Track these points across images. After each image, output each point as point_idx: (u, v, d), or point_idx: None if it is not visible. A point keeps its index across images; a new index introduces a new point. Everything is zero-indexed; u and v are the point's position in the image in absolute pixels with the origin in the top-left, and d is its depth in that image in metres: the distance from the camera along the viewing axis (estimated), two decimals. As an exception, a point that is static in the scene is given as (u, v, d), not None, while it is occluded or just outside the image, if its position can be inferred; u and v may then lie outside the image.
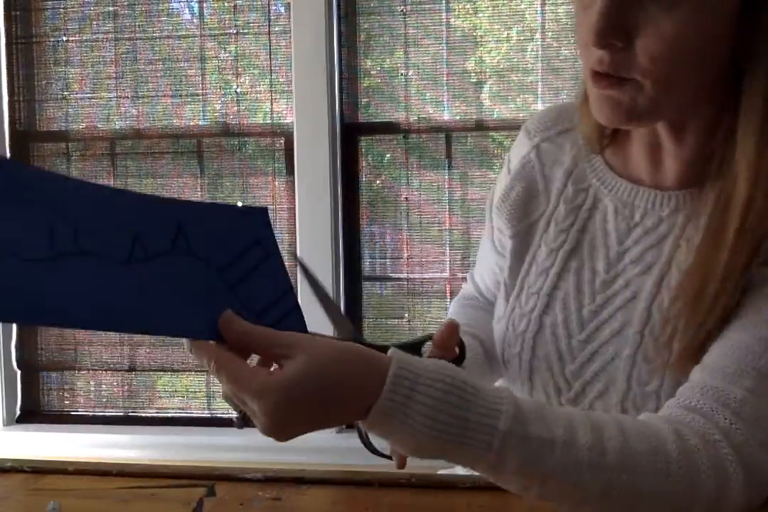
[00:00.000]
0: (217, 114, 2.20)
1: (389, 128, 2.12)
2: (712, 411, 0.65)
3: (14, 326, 2.27)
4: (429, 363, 0.58)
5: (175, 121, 2.21)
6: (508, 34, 2.09)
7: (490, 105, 2.10)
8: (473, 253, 2.03)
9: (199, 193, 2.20)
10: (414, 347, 0.70)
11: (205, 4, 2.18)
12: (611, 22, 0.67)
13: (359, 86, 2.13)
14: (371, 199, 2.15)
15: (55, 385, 2.29)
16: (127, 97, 2.22)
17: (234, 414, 0.63)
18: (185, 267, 0.58)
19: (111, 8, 2.20)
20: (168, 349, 2.23)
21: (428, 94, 2.11)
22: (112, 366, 2.26)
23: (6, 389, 2.25)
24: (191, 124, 2.20)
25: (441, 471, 0.94)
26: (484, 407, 0.57)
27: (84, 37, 2.22)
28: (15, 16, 2.24)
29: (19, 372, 2.28)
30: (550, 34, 2.06)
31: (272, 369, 0.58)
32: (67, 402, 2.29)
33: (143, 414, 2.26)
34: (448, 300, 2.11)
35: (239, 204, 2.17)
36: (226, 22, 2.17)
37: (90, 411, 2.28)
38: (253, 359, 0.60)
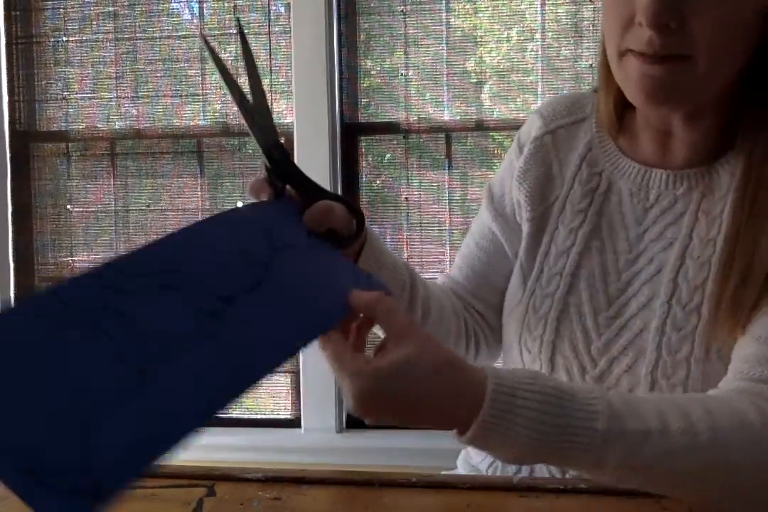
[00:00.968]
0: (217, 114, 2.20)
1: (389, 128, 2.12)
2: None
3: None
4: (523, 375, 0.60)
5: (175, 121, 2.21)
6: (508, 34, 2.09)
7: (490, 105, 2.10)
8: (473, 253, 2.03)
9: (199, 193, 2.20)
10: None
11: (205, 4, 2.18)
12: (666, 3, 0.69)
13: (359, 86, 2.13)
14: (371, 199, 2.15)
15: (55, 385, 2.30)
16: (127, 97, 2.22)
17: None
18: (297, 261, 0.58)
19: (111, 8, 2.20)
20: (168, 349, 2.23)
21: (428, 94, 2.11)
22: (112, 366, 2.26)
23: (6, 389, 2.25)
24: (191, 124, 2.20)
25: (442, 472, 0.94)
26: (581, 410, 0.59)
27: (84, 37, 2.22)
28: (15, 16, 2.24)
29: (19, 372, 2.29)
30: (550, 34, 2.06)
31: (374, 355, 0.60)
32: (67, 402, 2.30)
33: (143, 414, 2.26)
34: (448, 300, 2.11)
35: (239, 204, 2.17)
36: (226, 22, 2.17)
37: (90, 411, 2.28)
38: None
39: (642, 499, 0.69)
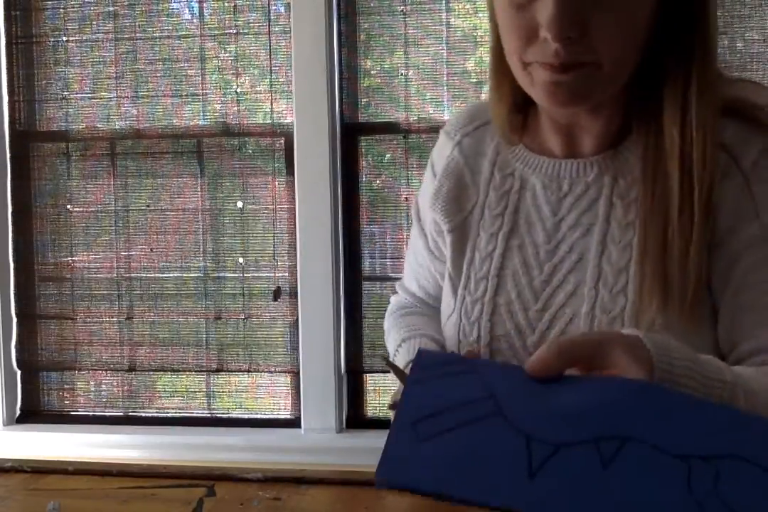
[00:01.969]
0: (217, 114, 2.19)
1: (389, 128, 2.12)
2: None
3: (14, 326, 2.27)
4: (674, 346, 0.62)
5: (175, 121, 2.21)
6: (508, 34, 2.09)
7: (490, 105, 2.09)
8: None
9: (199, 193, 2.20)
10: None
11: (205, 4, 2.18)
12: (569, 17, 0.72)
13: (359, 86, 2.13)
14: (371, 199, 2.15)
15: (55, 385, 2.29)
16: (127, 97, 2.22)
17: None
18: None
19: (111, 8, 2.20)
20: (168, 349, 2.23)
21: (428, 94, 2.11)
22: (112, 366, 2.26)
23: (6, 389, 2.25)
24: (191, 124, 2.20)
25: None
26: (713, 372, 0.62)
27: (84, 37, 2.22)
28: (15, 16, 2.24)
29: (19, 372, 2.28)
30: (550, 34, 2.06)
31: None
32: (67, 402, 2.29)
33: (143, 414, 2.26)
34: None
35: (239, 204, 2.17)
36: (226, 22, 2.17)
37: (90, 411, 2.28)
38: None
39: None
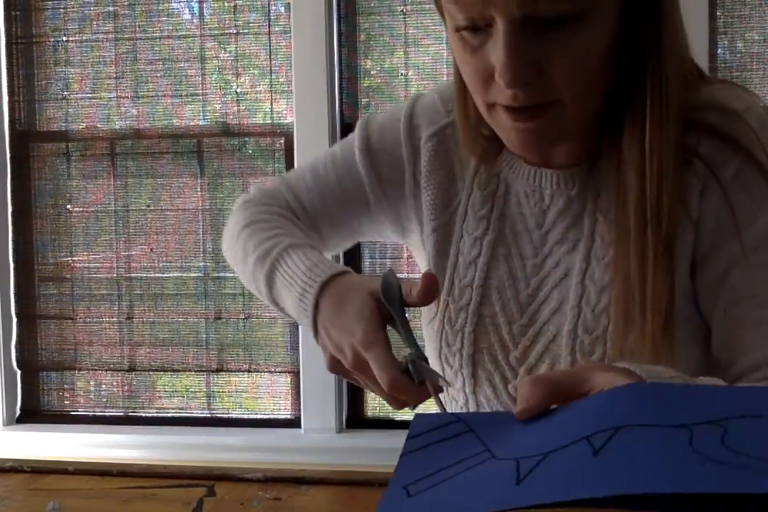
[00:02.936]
0: (217, 114, 2.19)
1: (389, 128, 2.12)
2: None
3: (14, 326, 2.27)
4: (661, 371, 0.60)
5: (175, 121, 2.20)
6: (508, 34, 2.09)
7: (490, 105, 2.10)
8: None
9: (199, 193, 2.20)
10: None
11: (205, 4, 2.18)
12: (522, 60, 0.68)
13: (359, 86, 2.13)
14: (371, 199, 2.15)
15: (55, 385, 2.29)
16: (127, 97, 2.22)
17: None
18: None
19: (111, 8, 2.20)
20: (168, 349, 2.23)
21: (428, 94, 2.11)
22: (112, 366, 2.26)
23: (6, 389, 2.25)
24: (191, 124, 2.20)
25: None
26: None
27: (84, 37, 2.22)
28: (15, 16, 2.24)
29: (19, 372, 2.28)
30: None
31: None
32: (67, 402, 2.29)
33: (143, 414, 2.26)
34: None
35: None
36: (226, 22, 2.17)
37: (90, 411, 2.28)
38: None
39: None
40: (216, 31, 2.18)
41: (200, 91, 2.19)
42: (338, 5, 2.09)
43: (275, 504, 0.71)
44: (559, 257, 0.82)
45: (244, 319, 2.20)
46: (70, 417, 2.28)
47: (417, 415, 0.59)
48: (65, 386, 2.29)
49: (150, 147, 2.21)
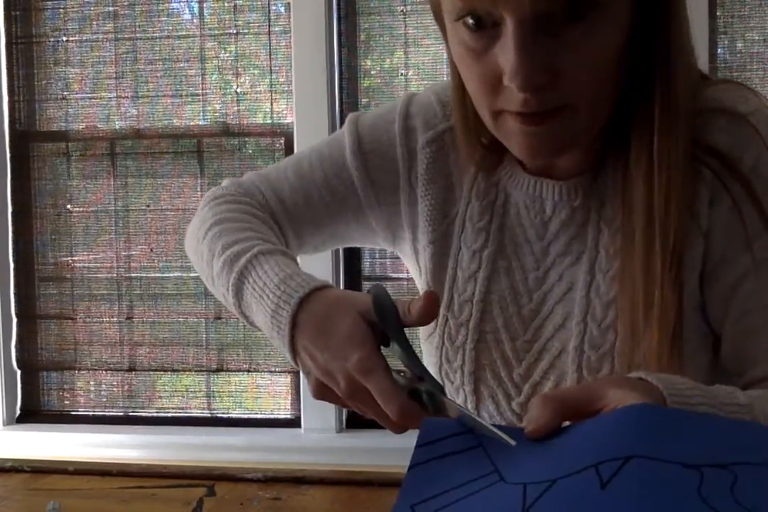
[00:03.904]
0: (217, 114, 2.19)
1: (389, 128, 2.12)
2: None
3: (14, 326, 2.27)
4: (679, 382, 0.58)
5: (175, 121, 2.20)
6: (508, 34, 2.09)
7: (490, 105, 2.09)
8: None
9: (199, 193, 2.19)
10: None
11: (205, 4, 2.17)
12: (534, 62, 0.64)
13: (359, 86, 2.13)
14: (371, 199, 2.15)
15: (55, 385, 2.29)
16: (127, 97, 2.22)
17: None
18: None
19: (111, 8, 2.20)
20: (168, 349, 2.23)
21: (428, 94, 2.11)
22: (112, 366, 2.26)
23: (6, 389, 2.25)
24: (191, 124, 2.20)
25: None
26: (725, 397, 0.59)
27: (84, 37, 2.22)
28: (15, 16, 2.24)
29: (19, 372, 2.28)
30: (550, 34, 2.06)
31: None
32: (67, 402, 2.29)
33: (143, 414, 2.26)
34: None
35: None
36: (226, 22, 2.17)
37: (90, 411, 2.28)
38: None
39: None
40: (216, 31, 2.17)
41: (200, 91, 2.19)
42: (338, 5, 2.09)
43: (275, 504, 0.71)
44: (562, 270, 0.79)
45: (244, 319, 2.20)
46: (70, 417, 2.28)
47: (426, 420, 0.57)
48: (65, 386, 2.29)
49: (150, 147, 2.21)
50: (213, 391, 2.23)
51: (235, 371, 2.22)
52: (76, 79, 2.23)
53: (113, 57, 2.21)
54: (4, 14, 2.23)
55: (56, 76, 2.23)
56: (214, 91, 2.19)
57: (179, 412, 2.24)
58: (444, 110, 0.84)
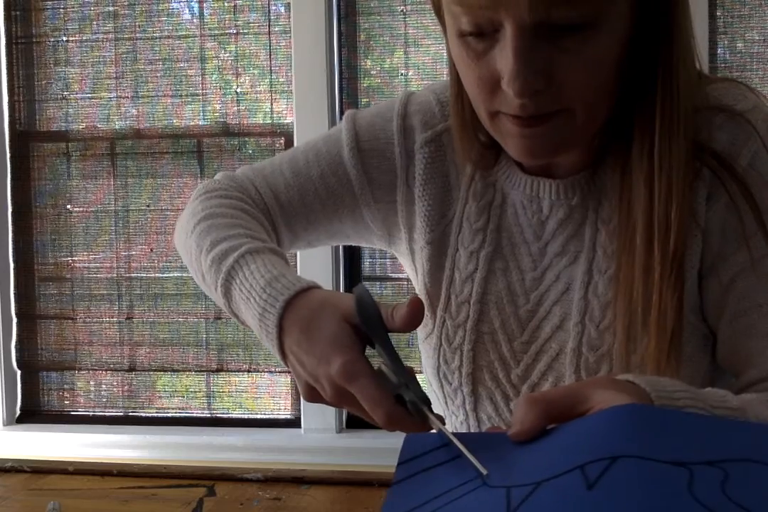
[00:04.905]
0: (217, 114, 2.19)
1: (389, 128, 2.12)
2: None
3: (14, 326, 2.27)
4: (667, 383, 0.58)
5: (175, 121, 2.20)
6: (508, 34, 2.09)
7: (490, 105, 2.09)
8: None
9: (199, 193, 2.19)
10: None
11: (205, 4, 2.17)
12: (532, 68, 0.64)
13: (359, 86, 2.13)
14: (371, 199, 2.15)
15: (55, 385, 2.29)
16: (127, 97, 2.22)
17: None
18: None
19: (111, 8, 2.20)
20: (168, 349, 2.23)
21: (428, 94, 2.11)
22: (112, 366, 2.26)
23: (6, 389, 2.25)
24: (191, 124, 2.20)
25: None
26: (717, 401, 0.59)
27: (84, 37, 2.22)
28: (15, 16, 2.24)
29: (19, 372, 2.28)
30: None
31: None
32: (67, 402, 2.29)
33: (143, 414, 2.26)
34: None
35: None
36: (226, 22, 2.17)
37: (90, 411, 2.28)
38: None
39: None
40: (216, 31, 2.17)
41: (200, 91, 2.19)
42: (338, 5, 2.09)
43: (275, 504, 0.71)
44: (559, 270, 0.79)
45: (244, 319, 2.20)
46: (70, 417, 2.28)
47: (407, 437, 0.56)
48: (65, 386, 2.29)
49: (150, 147, 2.21)
50: (213, 391, 2.23)
51: (235, 371, 2.22)
52: (76, 79, 2.23)
53: (113, 57, 2.21)
54: (4, 14, 2.23)
55: (56, 76, 2.23)
56: (214, 91, 2.19)
57: (179, 412, 2.24)
58: (443, 110, 0.84)
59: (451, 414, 0.87)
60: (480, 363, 0.82)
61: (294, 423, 2.15)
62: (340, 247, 2.11)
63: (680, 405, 0.55)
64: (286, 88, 2.14)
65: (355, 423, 2.10)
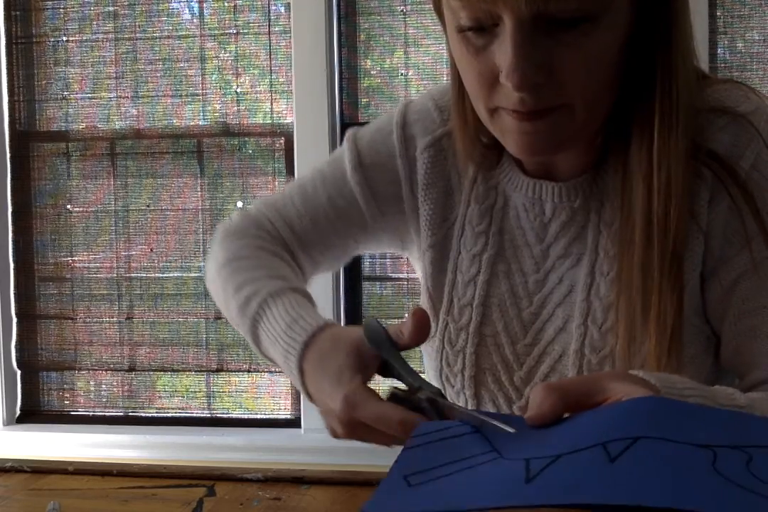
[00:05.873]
0: (217, 114, 2.19)
1: (389, 128, 2.12)
2: None
3: (14, 326, 2.27)
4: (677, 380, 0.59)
5: (175, 121, 2.20)
6: (508, 34, 2.09)
7: (490, 105, 2.09)
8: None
9: (199, 193, 2.20)
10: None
11: (205, 4, 2.18)
12: (531, 62, 0.64)
13: (359, 86, 2.13)
14: (371, 199, 2.15)
15: (55, 385, 2.29)
16: (127, 97, 2.22)
17: None
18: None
19: (111, 8, 2.20)
20: (168, 349, 2.23)
21: (428, 94, 2.11)
22: (112, 366, 2.26)
23: (6, 389, 2.25)
24: (191, 124, 2.20)
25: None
26: (725, 398, 0.60)
27: (84, 37, 2.22)
28: (15, 16, 2.24)
29: (19, 372, 2.28)
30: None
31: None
32: (67, 402, 2.29)
33: (143, 414, 2.26)
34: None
35: (239, 204, 2.17)
36: (226, 22, 2.17)
37: (90, 411, 2.28)
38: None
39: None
40: (216, 31, 2.17)
41: (200, 91, 2.19)
42: (338, 5, 2.09)
43: (275, 504, 0.71)
44: (562, 272, 0.79)
45: (244, 319, 2.20)
46: (70, 417, 2.28)
47: (421, 424, 0.56)
48: (65, 386, 2.29)
49: (150, 147, 2.21)
50: (213, 391, 2.23)
51: (235, 371, 2.22)
52: (76, 79, 2.23)
53: (113, 57, 2.21)
54: (4, 14, 2.23)
55: (56, 76, 2.24)
56: (214, 91, 2.19)
57: (179, 412, 2.24)
58: (441, 115, 0.84)
59: None
60: (483, 366, 0.82)
61: (294, 423, 2.15)
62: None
63: (689, 402, 0.55)
64: (286, 88, 2.14)
65: (355, 423, 2.10)
